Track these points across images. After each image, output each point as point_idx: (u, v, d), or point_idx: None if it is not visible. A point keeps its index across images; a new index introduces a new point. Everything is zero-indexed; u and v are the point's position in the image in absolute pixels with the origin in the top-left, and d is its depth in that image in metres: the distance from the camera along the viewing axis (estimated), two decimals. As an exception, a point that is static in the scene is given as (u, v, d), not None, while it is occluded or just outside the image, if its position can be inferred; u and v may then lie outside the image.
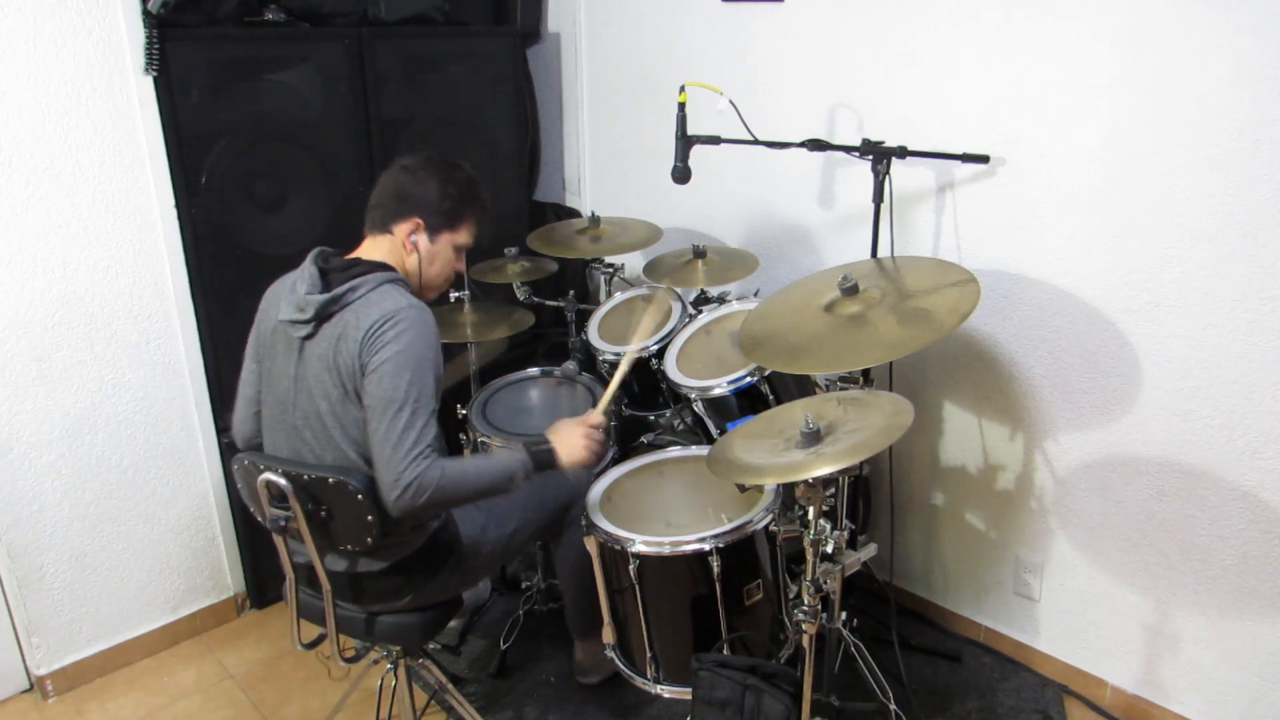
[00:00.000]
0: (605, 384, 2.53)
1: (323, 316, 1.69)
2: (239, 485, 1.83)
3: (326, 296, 1.68)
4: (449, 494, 1.67)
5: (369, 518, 1.66)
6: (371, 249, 1.82)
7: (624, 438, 2.56)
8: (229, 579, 2.75)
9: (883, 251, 2.25)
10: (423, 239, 1.81)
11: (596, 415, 1.94)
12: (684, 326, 2.45)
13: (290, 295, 1.73)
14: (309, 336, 1.71)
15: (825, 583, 1.72)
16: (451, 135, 2.93)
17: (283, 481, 1.66)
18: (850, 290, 1.89)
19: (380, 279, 1.72)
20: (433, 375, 1.68)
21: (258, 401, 1.85)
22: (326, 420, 1.70)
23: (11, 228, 2.18)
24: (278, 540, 1.77)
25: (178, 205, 2.39)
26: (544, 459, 1.83)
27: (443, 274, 1.88)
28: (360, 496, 1.64)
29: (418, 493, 1.63)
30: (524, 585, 2.67)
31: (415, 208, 1.80)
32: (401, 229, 1.80)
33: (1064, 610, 2.35)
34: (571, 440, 1.87)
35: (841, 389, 2.08)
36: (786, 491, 2.01)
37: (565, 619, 2.34)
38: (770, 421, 1.78)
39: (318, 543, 1.72)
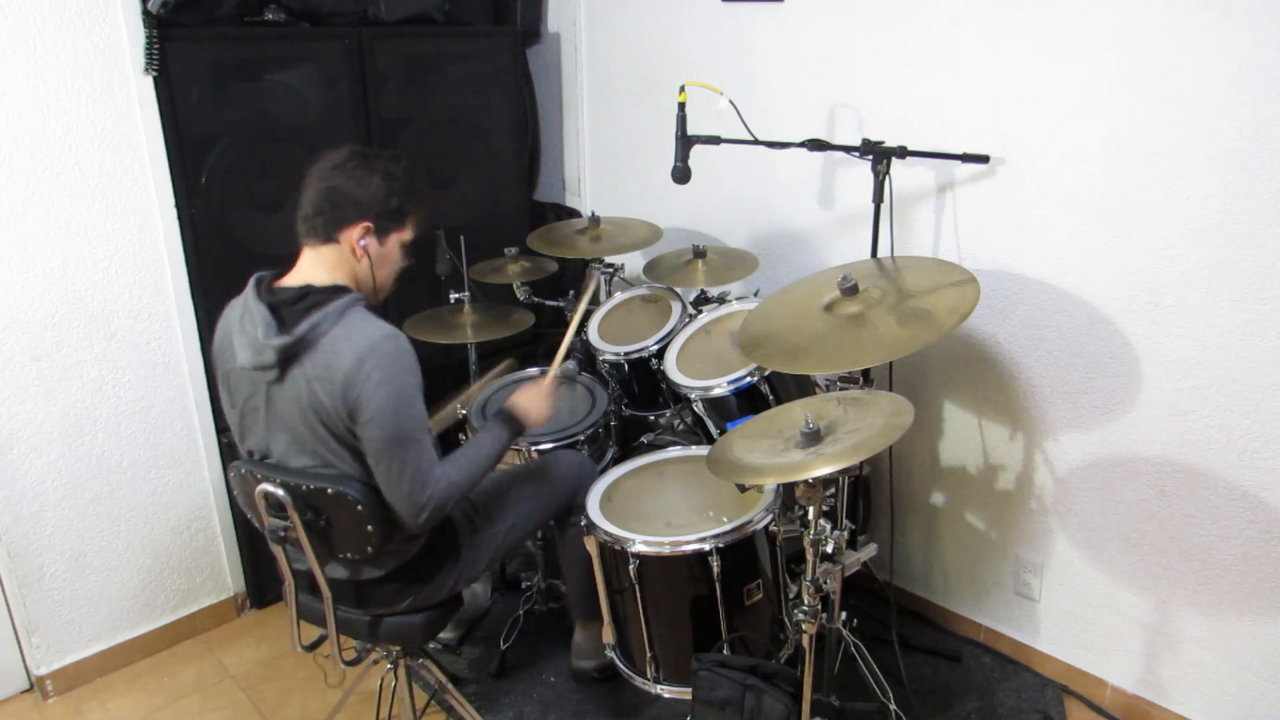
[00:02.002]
0: (605, 384, 2.55)
1: (286, 359, 1.60)
2: (236, 494, 1.82)
3: (288, 340, 1.58)
4: (461, 490, 1.73)
5: (368, 527, 1.65)
6: (315, 262, 1.69)
7: (624, 438, 2.56)
8: (229, 579, 2.75)
9: (883, 251, 2.25)
10: (373, 243, 1.70)
11: (550, 376, 2.06)
12: (684, 326, 2.45)
13: (242, 336, 1.63)
14: (276, 380, 1.63)
15: (825, 583, 1.72)
16: (451, 135, 2.93)
17: (280, 492, 1.65)
18: (850, 290, 1.89)
19: (340, 308, 1.62)
20: (421, 397, 1.67)
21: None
22: (307, 447, 1.67)
23: (12, 227, 2.18)
24: (276, 550, 1.76)
25: (178, 205, 2.39)
26: (516, 423, 1.91)
27: (392, 275, 1.80)
28: (360, 507, 1.63)
29: (437, 510, 1.68)
30: (524, 585, 2.67)
31: (362, 210, 1.68)
32: (349, 235, 1.68)
33: (1064, 610, 2.35)
34: (533, 397, 1.96)
35: (841, 389, 2.08)
36: (786, 491, 2.01)
37: (568, 604, 2.33)
38: (770, 421, 1.78)
39: (317, 551, 1.71)
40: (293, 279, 1.70)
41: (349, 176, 1.68)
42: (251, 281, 1.68)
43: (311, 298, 1.64)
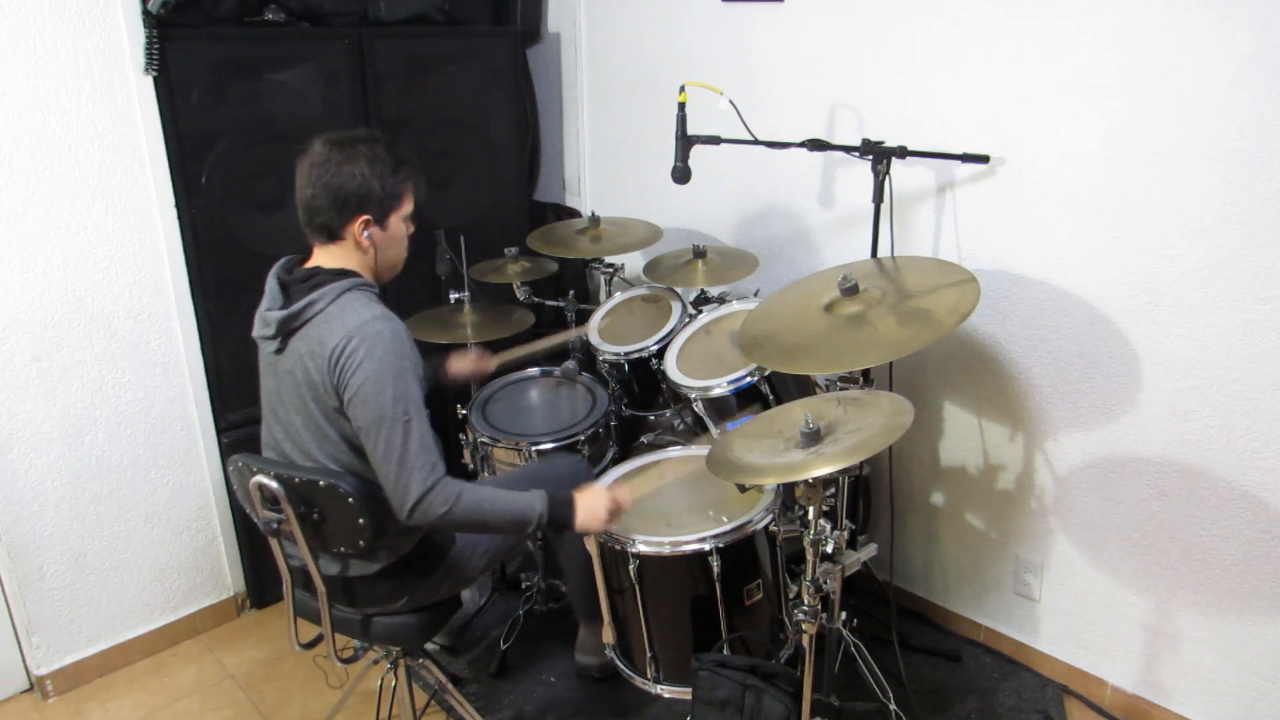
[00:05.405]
0: (605, 384, 2.54)
1: (286, 332, 1.66)
2: (235, 486, 1.83)
3: (285, 313, 1.64)
4: (463, 518, 1.67)
5: (360, 520, 1.65)
6: (325, 255, 1.73)
7: (624, 438, 2.56)
8: (229, 579, 2.75)
9: (883, 251, 2.25)
10: (375, 231, 1.71)
11: (629, 497, 1.90)
12: (684, 326, 2.45)
13: (260, 310, 1.72)
14: (279, 352, 1.69)
15: (825, 583, 1.72)
16: (451, 135, 2.93)
17: (274, 484, 1.66)
18: (850, 290, 1.89)
19: (340, 288, 1.66)
20: (414, 380, 1.64)
21: None
22: (303, 434, 1.70)
23: (12, 227, 2.18)
24: (272, 542, 1.77)
25: (178, 205, 2.39)
26: (562, 513, 1.79)
27: (401, 250, 1.80)
28: (351, 500, 1.63)
29: (430, 507, 1.62)
30: (524, 585, 2.67)
31: (358, 204, 1.67)
32: (352, 230, 1.69)
33: (1064, 610, 2.35)
34: (594, 506, 1.82)
35: (841, 389, 2.08)
36: (786, 491, 2.01)
37: (570, 606, 2.31)
38: (770, 421, 1.78)
39: (311, 544, 1.72)
40: (309, 264, 1.76)
41: (334, 173, 1.66)
42: (279, 262, 1.76)
43: (318, 278, 1.69)
